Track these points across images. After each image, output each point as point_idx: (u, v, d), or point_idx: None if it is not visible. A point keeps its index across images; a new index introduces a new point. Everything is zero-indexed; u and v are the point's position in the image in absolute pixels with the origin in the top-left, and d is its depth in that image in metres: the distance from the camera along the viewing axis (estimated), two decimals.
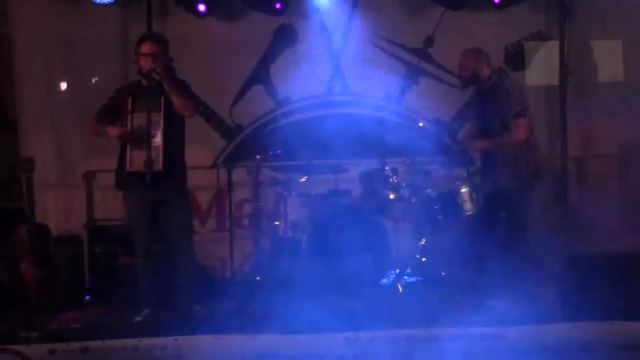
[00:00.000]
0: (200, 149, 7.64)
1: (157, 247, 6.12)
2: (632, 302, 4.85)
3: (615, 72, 8.00)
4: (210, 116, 7.98)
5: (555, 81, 7.90)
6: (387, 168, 6.92)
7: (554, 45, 7.95)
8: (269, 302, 5.92)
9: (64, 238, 7.24)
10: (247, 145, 7.93)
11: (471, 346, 4.54)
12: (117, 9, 7.78)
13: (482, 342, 4.54)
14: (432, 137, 7.21)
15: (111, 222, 7.31)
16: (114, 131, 5.74)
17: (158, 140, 5.66)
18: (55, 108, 7.84)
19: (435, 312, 5.83)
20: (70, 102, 7.86)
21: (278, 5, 7.71)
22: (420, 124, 7.19)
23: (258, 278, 7.08)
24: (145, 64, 5.68)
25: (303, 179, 7.10)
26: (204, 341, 4.58)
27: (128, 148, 5.71)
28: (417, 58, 8.08)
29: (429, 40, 8.04)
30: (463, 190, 6.09)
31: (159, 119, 5.66)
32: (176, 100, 5.68)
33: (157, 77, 5.63)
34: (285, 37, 8.04)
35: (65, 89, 7.94)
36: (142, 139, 5.58)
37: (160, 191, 5.70)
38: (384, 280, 6.78)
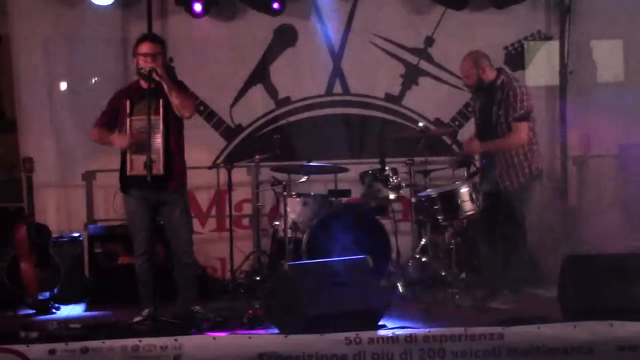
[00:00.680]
0: (200, 149, 7.64)
1: (157, 248, 6.13)
2: (631, 302, 4.85)
3: (615, 72, 8.01)
4: (210, 116, 7.99)
5: (555, 81, 7.91)
6: (387, 168, 6.92)
7: (554, 45, 7.96)
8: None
9: (64, 238, 7.24)
10: (247, 145, 7.93)
11: (471, 346, 4.53)
12: (117, 9, 7.78)
13: (482, 342, 4.53)
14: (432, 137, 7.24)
15: (111, 222, 7.32)
16: (118, 142, 5.73)
17: (158, 143, 5.65)
18: (55, 108, 7.84)
19: (436, 312, 5.85)
20: (70, 102, 7.86)
21: (277, 6, 7.71)
22: (420, 124, 7.19)
23: (258, 278, 7.10)
24: (145, 63, 5.67)
25: (303, 179, 7.09)
26: (204, 341, 4.58)
27: (128, 152, 5.71)
28: (417, 58, 8.09)
29: (429, 40, 8.05)
30: (463, 190, 6.08)
31: (158, 122, 5.65)
32: (176, 101, 5.67)
33: (157, 78, 5.62)
34: (285, 37, 8.04)
35: (65, 89, 7.94)
36: (142, 143, 5.57)
37: (161, 192, 5.70)
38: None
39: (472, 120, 6.68)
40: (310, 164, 7.11)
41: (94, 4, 7.55)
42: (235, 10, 7.95)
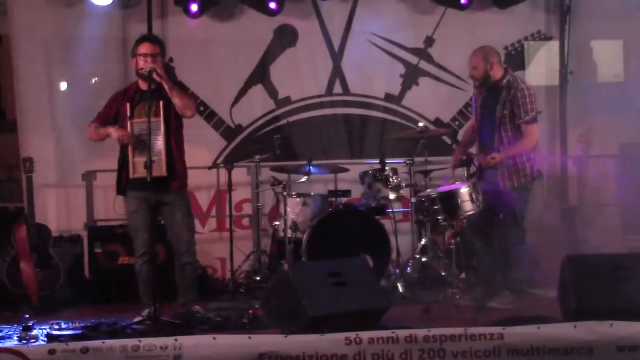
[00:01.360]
0: (200, 149, 7.65)
1: (157, 248, 6.12)
2: (631, 302, 4.84)
3: (615, 72, 8.01)
4: (210, 116, 7.99)
5: (555, 81, 7.91)
6: (387, 168, 6.92)
7: (554, 45, 7.96)
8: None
9: (64, 238, 7.24)
10: (247, 145, 7.93)
11: (471, 346, 4.53)
12: (117, 9, 7.79)
13: (482, 342, 4.53)
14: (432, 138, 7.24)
15: (111, 222, 7.32)
16: (117, 132, 5.72)
17: (160, 144, 5.65)
18: (55, 108, 7.85)
19: (436, 312, 5.85)
20: (70, 102, 7.87)
21: (274, 6, 7.70)
22: (420, 124, 7.18)
23: (258, 278, 7.10)
24: (145, 64, 5.66)
25: (303, 179, 7.10)
26: (204, 341, 4.58)
27: (130, 155, 5.70)
28: (417, 58, 8.09)
29: (429, 40, 8.05)
30: (463, 190, 6.08)
31: (159, 123, 5.65)
32: (178, 101, 5.67)
33: (157, 78, 5.61)
34: (285, 37, 8.04)
35: (65, 89, 7.95)
36: (144, 145, 5.56)
37: (163, 193, 5.70)
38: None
39: (478, 119, 6.65)
40: (310, 163, 7.11)
41: (93, 4, 7.56)
42: (235, 10, 7.96)
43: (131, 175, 5.71)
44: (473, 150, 6.55)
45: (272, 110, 8.08)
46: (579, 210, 7.51)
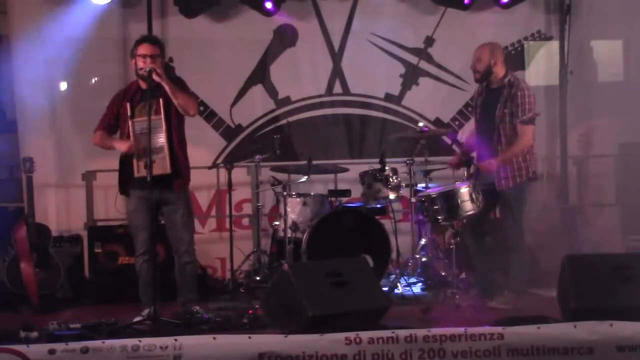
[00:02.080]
0: (200, 149, 7.65)
1: (157, 247, 6.12)
2: (631, 302, 4.84)
3: (615, 72, 8.01)
4: (210, 116, 7.99)
5: (555, 81, 7.91)
6: (387, 168, 6.92)
7: (554, 45, 7.96)
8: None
9: (64, 238, 7.24)
10: (247, 145, 7.93)
11: (471, 346, 4.53)
12: (117, 9, 7.79)
13: (482, 342, 4.53)
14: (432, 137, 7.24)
15: (111, 222, 7.32)
16: (123, 147, 5.72)
17: (162, 142, 5.64)
18: (55, 108, 7.85)
19: (436, 312, 5.85)
20: (70, 102, 7.87)
21: (270, 6, 7.70)
22: (420, 124, 7.18)
23: (258, 278, 7.10)
24: (144, 64, 5.66)
25: (303, 179, 7.10)
26: (204, 341, 4.57)
27: (134, 156, 5.69)
28: (417, 58, 8.09)
29: (429, 40, 8.05)
30: (463, 190, 6.08)
31: (160, 121, 5.64)
32: (180, 101, 5.66)
33: (157, 78, 5.61)
34: (285, 37, 8.05)
35: (65, 89, 7.95)
36: (146, 145, 5.56)
37: (165, 191, 5.70)
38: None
39: (472, 120, 6.66)
40: (311, 164, 7.10)
41: (93, 3, 7.56)
42: (235, 11, 7.96)
43: (136, 175, 5.71)
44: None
45: (272, 110, 8.09)
46: (579, 210, 7.52)
